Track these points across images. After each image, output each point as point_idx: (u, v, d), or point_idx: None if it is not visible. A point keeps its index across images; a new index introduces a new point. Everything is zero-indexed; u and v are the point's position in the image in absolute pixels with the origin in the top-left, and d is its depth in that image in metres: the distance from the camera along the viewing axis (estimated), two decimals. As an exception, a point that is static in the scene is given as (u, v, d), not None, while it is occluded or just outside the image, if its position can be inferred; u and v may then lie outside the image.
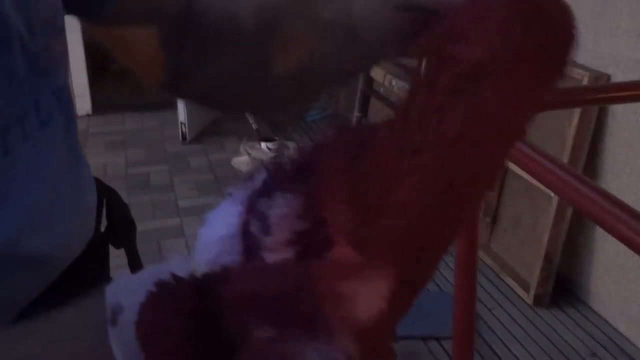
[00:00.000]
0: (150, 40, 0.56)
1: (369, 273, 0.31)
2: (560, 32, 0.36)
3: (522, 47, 0.34)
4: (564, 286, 2.58)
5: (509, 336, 2.38)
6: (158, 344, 0.30)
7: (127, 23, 0.57)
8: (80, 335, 0.33)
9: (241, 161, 3.84)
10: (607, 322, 2.45)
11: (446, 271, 2.72)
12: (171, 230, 3.15)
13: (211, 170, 3.86)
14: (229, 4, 0.52)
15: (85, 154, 0.62)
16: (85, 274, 0.58)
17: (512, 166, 2.62)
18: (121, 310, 0.31)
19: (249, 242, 0.35)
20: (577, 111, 2.36)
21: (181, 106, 4.20)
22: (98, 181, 0.67)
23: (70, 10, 0.56)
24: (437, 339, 2.33)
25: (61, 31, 0.55)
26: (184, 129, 4.26)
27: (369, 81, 4.19)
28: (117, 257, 0.68)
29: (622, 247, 0.91)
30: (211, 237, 0.36)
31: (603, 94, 1.66)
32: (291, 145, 3.92)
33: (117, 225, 0.68)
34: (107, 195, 0.68)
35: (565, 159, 2.37)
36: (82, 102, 4.57)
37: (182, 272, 0.34)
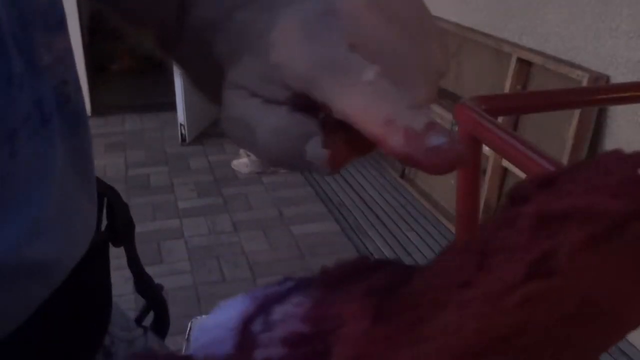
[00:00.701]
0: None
1: None
2: None
3: None
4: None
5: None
6: None
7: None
8: None
9: (241, 163, 3.84)
10: (606, 323, 2.45)
11: (446, 272, 2.72)
12: (171, 232, 3.15)
13: (211, 172, 3.86)
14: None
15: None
16: (87, 275, 0.58)
17: (512, 167, 2.62)
18: None
19: (245, 338, 0.33)
20: (576, 112, 2.36)
21: (181, 107, 4.20)
22: (98, 180, 0.67)
23: None
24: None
25: (60, 25, 0.54)
26: (183, 131, 4.26)
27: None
28: (115, 258, 0.68)
29: (622, 248, 0.91)
30: (209, 323, 0.35)
31: (602, 95, 1.66)
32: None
33: (118, 224, 0.68)
34: (107, 194, 0.68)
35: (564, 160, 2.37)
36: (82, 103, 4.57)
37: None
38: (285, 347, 0.31)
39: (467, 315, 0.26)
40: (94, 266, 0.62)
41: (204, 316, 0.36)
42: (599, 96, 1.67)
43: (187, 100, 4.18)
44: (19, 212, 0.47)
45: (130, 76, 5.69)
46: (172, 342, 0.69)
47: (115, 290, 0.61)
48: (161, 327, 0.71)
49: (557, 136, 2.47)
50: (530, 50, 2.72)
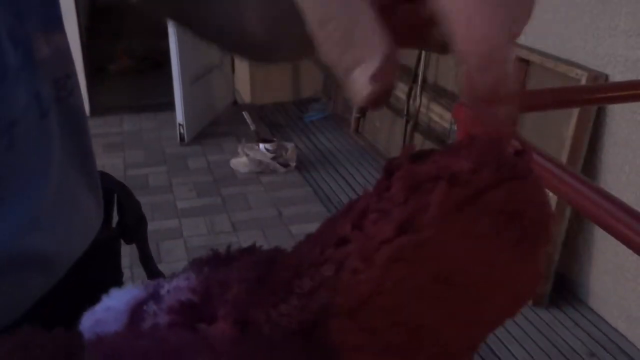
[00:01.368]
0: None
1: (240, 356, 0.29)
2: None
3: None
4: (563, 286, 2.58)
5: (508, 336, 2.38)
6: None
7: None
8: None
9: (239, 162, 3.84)
10: (606, 321, 2.45)
11: (445, 271, 2.72)
12: (170, 232, 3.15)
13: (210, 172, 3.86)
14: None
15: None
16: (96, 271, 0.58)
17: (511, 166, 2.62)
18: None
19: (135, 317, 0.33)
20: (575, 111, 2.36)
21: (179, 107, 4.20)
22: (109, 177, 0.67)
23: None
24: (437, 340, 2.33)
25: (58, 20, 0.54)
26: (182, 131, 4.26)
27: (367, 82, 4.18)
28: (124, 256, 0.68)
29: (621, 247, 0.91)
30: (98, 308, 0.35)
31: (601, 94, 1.66)
32: (289, 146, 3.92)
33: (129, 221, 0.68)
34: (118, 191, 0.68)
35: (563, 159, 2.37)
36: (80, 103, 4.57)
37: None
38: (171, 314, 0.32)
39: (342, 270, 0.27)
40: (102, 262, 0.62)
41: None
42: (597, 95, 1.67)
43: (186, 100, 4.18)
44: (16, 204, 0.48)
45: (128, 76, 5.69)
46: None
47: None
48: None
49: (556, 135, 2.47)
50: (529, 48, 2.72)
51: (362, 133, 4.27)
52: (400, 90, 3.74)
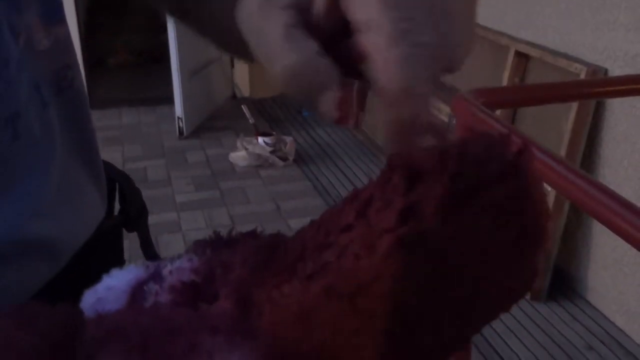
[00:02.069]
0: None
1: (239, 339, 0.29)
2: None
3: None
4: (561, 280, 2.58)
5: (506, 330, 2.39)
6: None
7: None
8: None
9: (238, 156, 3.84)
10: (604, 315, 2.46)
11: (444, 265, 2.72)
12: (168, 225, 3.15)
13: (208, 166, 3.86)
14: None
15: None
16: (99, 259, 0.59)
17: (510, 160, 2.62)
18: None
19: (137, 296, 0.34)
20: (574, 105, 2.36)
21: (178, 101, 4.19)
22: (111, 166, 0.68)
23: None
24: (435, 333, 2.33)
25: (58, 10, 0.54)
26: (180, 124, 4.26)
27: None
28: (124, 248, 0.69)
29: (620, 241, 0.91)
30: (100, 287, 0.35)
31: (600, 88, 1.66)
32: (288, 139, 3.92)
33: (130, 210, 0.69)
34: (120, 180, 0.69)
35: (562, 153, 2.37)
36: (79, 97, 4.56)
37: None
38: (173, 293, 0.32)
39: (344, 255, 0.28)
40: (105, 250, 0.63)
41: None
42: (596, 89, 1.67)
43: (185, 94, 4.17)
44: (20, 193, 0.48)
45: (127, 70, 5.69)
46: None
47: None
48: None
49: (555, 129, 2.47)
50: (528, 43, 2.72)
51: (362, 128, 4.27)
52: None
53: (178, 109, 4.23)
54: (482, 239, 0.29)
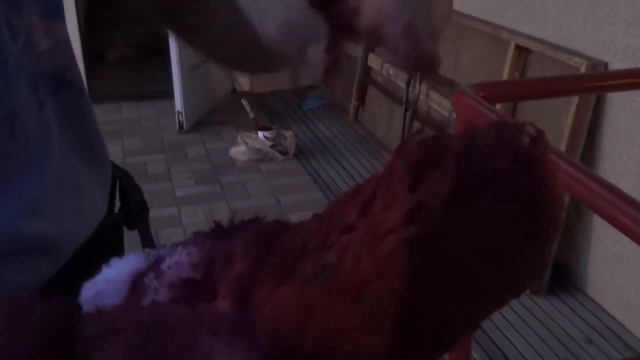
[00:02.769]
0: None
1: (239, 343, 0.29)
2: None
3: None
4: (561, 274, 2.59)
5: (506, 324, 2.39)
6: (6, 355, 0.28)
7: None
8: None
9: (238, 151, 3.83)
10: (603, 309, 2.46)
11: (444, 259, 2.72)
12: (169, 220, 3.15)
13: (208, 160, 3.85)
14: None
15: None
16: (99, 256, 0.59)
17: (510, 154, 2.62)
18: None
19: (135, 289, 0.34)
20: (574, 99, 2.36)
21: (178, 95, 4.19)
22: (111, 164, 0.68)
23: None
24: (435, 327, 2.34)
25: (59, 11, 0.54)
26: (181, 118, 4.25)
27: (367, 70, 4.18)
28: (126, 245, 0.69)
29: (619, 235, 0.92)
30: (99, 278, 0.35)
31: (601, 82, 1.66)
32: (288, 134, 3.92)
33: (131, 207, 0.69)
34: (121, 178, 0.69)
35: (562, 147, 2.37)
36: (79, 91, 4.56)
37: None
38: (172, 290, 0.32)
39: (345, 256, 0.27)
40: (106, 247, 0.63)
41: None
42: (597, 83, 1.67)
43: (185, 88, 4.17)
44: (18, 190, 0.48)
45: (127, 64, 5.68)
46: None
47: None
48: None
49: (555, 123, 2.47)
50: (529, 37, 2.72)
51: (361, 121, 4.27)
52: (400, 79, 3.73)
53: (178, 103, 4.22)
54: (492, 232, 0.28)
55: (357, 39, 0.36)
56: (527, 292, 2.53)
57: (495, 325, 2.38)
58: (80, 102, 0.58)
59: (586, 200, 0.97)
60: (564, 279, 2.60)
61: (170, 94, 4.27)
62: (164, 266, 0.34)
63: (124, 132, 4.32)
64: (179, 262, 0.33)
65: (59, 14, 0.54)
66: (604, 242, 2.43)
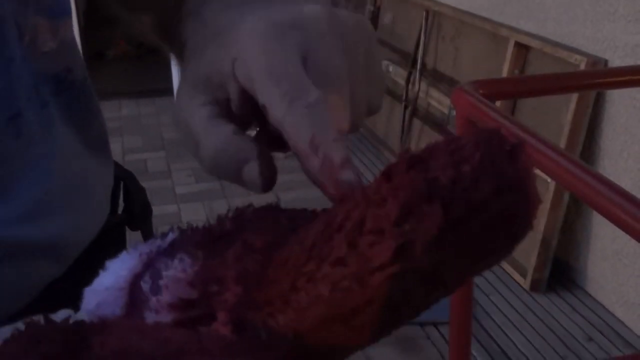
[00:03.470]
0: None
1: None
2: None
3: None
4: (560, 271, 2.59)
5: (506, 321, 2.39)
6: None
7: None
8: None
9: (238, 148, 3.83)
10: (603, 307, 2.46)
11: (443, 257, 2.73)
12: (169, 217, 3.15)
13: (208, 157, 3.85)
14: None
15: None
16: (103, 257, 0.59)
17: (509, 152, 2.62)
18: None
19: (135, 297, 0.35)
20: (574, 96, 2.36)
21: (178, 93, 4.18)
22: (115, 164, 0.68)
23: None
24: (435, 325, 2.34)
25: (63, 11, 0.54)
26: (180, 116, 4.25)
27: (366, 67, 4.17)
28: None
29: (619, 232, 0.92)
30: (98, 286, 0.36)
31: (600, 79, 1.66)
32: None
33: (134, 208, 0.69)
34: (124, 178, 0.69)
35: (562, 145, 2.37)
36: (79, 89, 4.56)
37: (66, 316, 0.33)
38: (174, 312, 0.33)
39: (337, 289, 0.29)
40: (110, 249, 0.63)
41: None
42: (596, 80, 1.67)
43: (184, 86, 4.16)
44: (21, 190, 0.48)
45: (127, 62, 5.68)
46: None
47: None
48: None
49: (554, 121, 2.47)
50: (528, 34, 2.72)
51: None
52: (399, 76, 3.73)
53: (178, 100, 4.22)
54: (473, 256, 0.30)
55: (288, 149, 0.39)
56: (527, 289, 2.53)
57: (495, 323, 2.38)
58: (84, 103, 0.57)
59: (586, 198, 0.97)
60: (564, 276, 2.60)
61: (170, 92, 4.26)
62: (162, 282, 0.34)
63: (124, 129, 4.32)
64: (175, 278, 0.34)
65: (66, 13, 0.54)
66: (604, 239, 2.43)
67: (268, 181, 0.38)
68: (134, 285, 0.35)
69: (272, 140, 0.40)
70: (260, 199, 0.36)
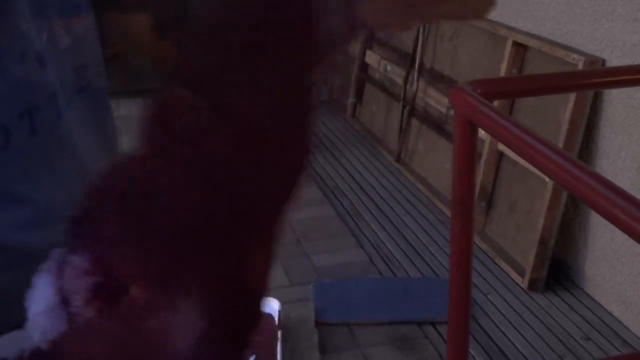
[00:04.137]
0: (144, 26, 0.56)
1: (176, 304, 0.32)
2: None
3: None
4: (558, 271, 2.59)
5: (504, 321, 2.39)
6: None
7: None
8: None
9: (236, 147, 3.83)
10: (601, 306, 2.46)
11: (441, 256, 2.72)
12: (166, 217, 3.14)
13: (206, 156, 3.85)
14: None
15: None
16: None
17: (508, 151, 2.62)
18: None
19: (70, 307, 0.35)
20: (572, 96, 2.36)
21: (176, 92, 4.18)
22: None
23: None
24: (433, 324, 2.34)
25: (75, 8, 0.54)
26: (178, 115, 4.25)
27: (364, 66, 4.18)
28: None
29: (617, 232, 0.92)
30: (35, 313, 0.36)
31: (598, 79, 1.66)
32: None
33: None
34: None
35: (560, 144, 2.37)
36: (76, 88, 4.56)
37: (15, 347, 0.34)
38: (95, 302, 0.35)
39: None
40: None
41: None
42: (594, 80, 1.67)
43: (182, 85, 4.16)
44: (39, 192, 0.48)
45: (124, 61, 5.67)
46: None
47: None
48: None
49: (552, 120, 2.47)
50: (526, 33, 2.72)
51: (359, 118, 4.27)
52: (398, 75, 3.73)
53: (175, 100, 4.22)
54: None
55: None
56: (525, 288, 2.54)
57: (493, 322, 2.38)
58: (99, 103, 0.57)
59: (584, 197, 0.97)
60: (562, 276, 2.60)
61: (167, 91, 4.26)
62: (67, 287, 0.35)
63: (122, 128, 4.31)
64: (75, 276, 0.35)
65: (78, 10, 0.54)
66: (602, 239, 2.43)
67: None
68: (62, 298, 0.35)
69: None
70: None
